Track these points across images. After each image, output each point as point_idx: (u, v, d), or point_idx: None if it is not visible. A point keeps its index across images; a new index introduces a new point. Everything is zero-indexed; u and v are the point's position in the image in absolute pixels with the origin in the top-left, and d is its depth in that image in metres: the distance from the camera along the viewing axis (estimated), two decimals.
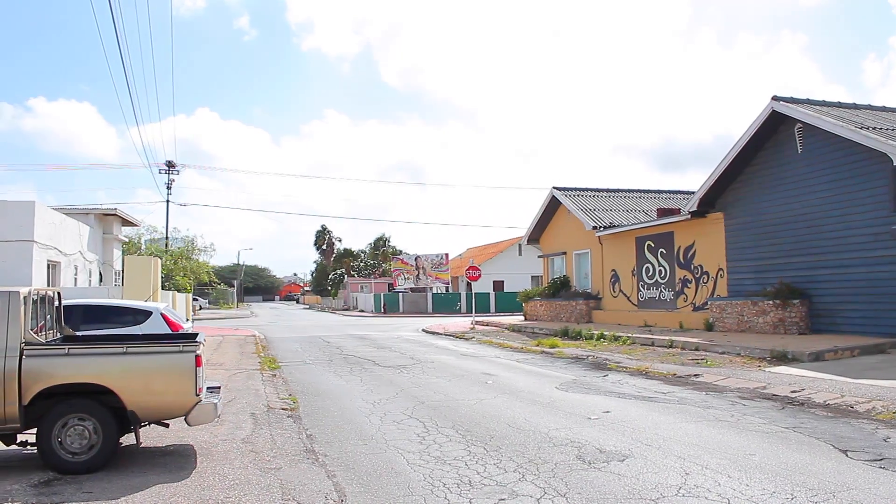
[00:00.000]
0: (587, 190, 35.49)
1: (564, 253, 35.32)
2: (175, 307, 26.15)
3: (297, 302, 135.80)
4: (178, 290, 42.59)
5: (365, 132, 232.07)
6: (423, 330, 34.63)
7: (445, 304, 61.25)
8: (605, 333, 24.06)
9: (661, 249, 27.64)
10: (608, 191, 35.88)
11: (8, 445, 8.10)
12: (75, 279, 29.73)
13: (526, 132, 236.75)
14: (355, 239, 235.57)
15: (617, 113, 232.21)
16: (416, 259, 68.59)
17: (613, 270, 30.97)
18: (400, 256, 73.39)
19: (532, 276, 59.86)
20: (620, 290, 30.43)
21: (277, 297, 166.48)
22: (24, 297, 7.93)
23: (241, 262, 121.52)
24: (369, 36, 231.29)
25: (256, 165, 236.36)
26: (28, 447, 8.18)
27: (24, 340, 7.73)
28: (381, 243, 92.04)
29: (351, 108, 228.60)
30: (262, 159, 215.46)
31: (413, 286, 66.88)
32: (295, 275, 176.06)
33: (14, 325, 7.70)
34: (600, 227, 30.94)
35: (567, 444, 8.81)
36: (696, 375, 14.67)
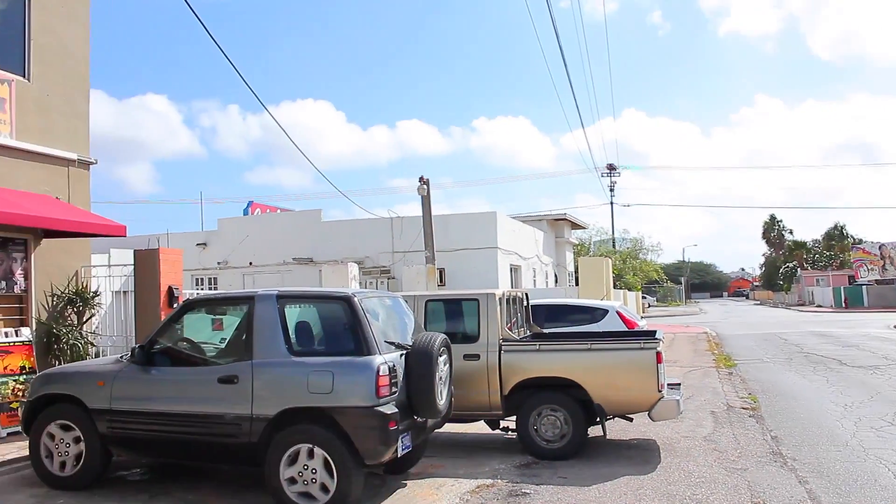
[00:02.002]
0: None
1: None
2: (626, 305, 26.84)
3: (746, 298, 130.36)
4: (628, 289, 43.66)
5: (801, 113, 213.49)
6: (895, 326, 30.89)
7: None
8: None
9: None
10: None
11: (493, 430, 9.08)
12: (534, 281, 32.16)
13: None
14: (802, 228, 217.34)
15: None
16: (880, 248, 61.53)
17: None
18: (861, 246, 66.41)
19: None
20: None
21: (725, 294, 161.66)
22: (499, 299, 8.82)
23: (685, 259, 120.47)
24: (791, 8, 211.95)
25: (689, 160, 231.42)
26: (508, 433, 9.04)
27: (501, 337, 8.59)
28: (834, 232, 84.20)
29: (782, 89, 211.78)
30: (693, 153, 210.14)
31: (878, 278, 60.03)
32: (742, 270, 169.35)
33: (493, 323, 8.60)
34: None
35: None
36: None
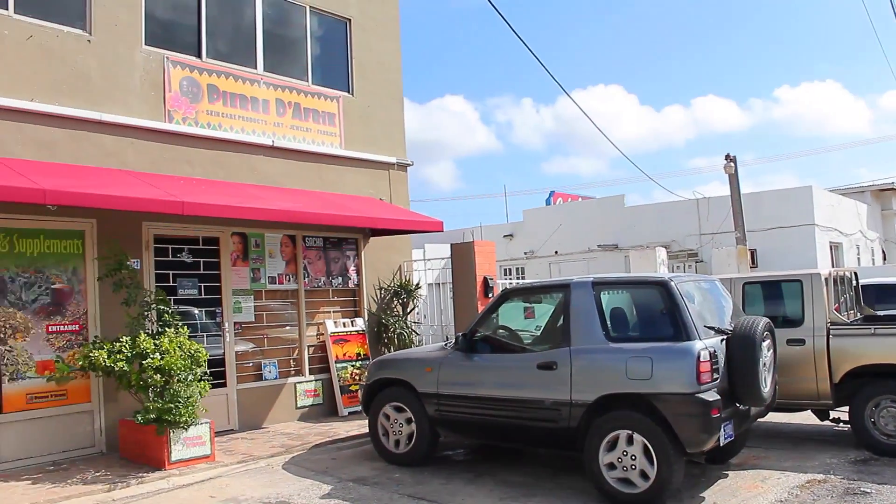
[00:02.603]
0: None
1: None
2: None
3: None
4: None
5: None
6: None
7: None
8: None
9: None
10: None
11: (822, 420, 8.47)
12: (857, 259, 29.36)
13: None
14: None
15: None
16: None
17: None
18: None
19: None
20: None
21: None
22: (825, 279, 8.19)
23: None
24: None
25: None
26: (839, 424, 8.38)
27: (828, 320, 7.98)
28: None
29: None
30: None
31: None
32: None
33: (819, 305, 8.01)
34: None
35: None
36: None
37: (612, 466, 6.35)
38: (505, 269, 30.61)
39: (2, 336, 8.07)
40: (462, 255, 11.69)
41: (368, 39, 12.25)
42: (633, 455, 6.22)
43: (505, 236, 31.72)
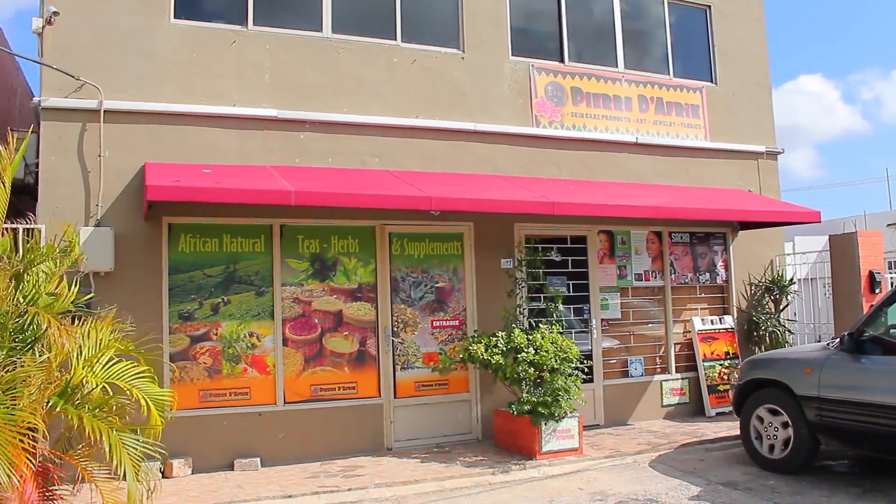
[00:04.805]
0: None
1: None
2: None
3: None
4: None
5: None
6: None
7: None
8: None
9: None
10: None
11: None
12: None
13: None
14: None
15: None
16: None
17: None
18: None
19: None
20: None
21: None
22: None
23: None
24: None
25: None
26: None
27: None
28: None
29: None
30: None
31: None
32: None
33: None
34: None
35: None
36: None
37: None
38: (890, 263, 27.43)
39: (395, 329, 9.10)
40: (843, 248, 10.73)
41: (730, 25, 11.75)
42: None
43: (889, 225, 28.41)
